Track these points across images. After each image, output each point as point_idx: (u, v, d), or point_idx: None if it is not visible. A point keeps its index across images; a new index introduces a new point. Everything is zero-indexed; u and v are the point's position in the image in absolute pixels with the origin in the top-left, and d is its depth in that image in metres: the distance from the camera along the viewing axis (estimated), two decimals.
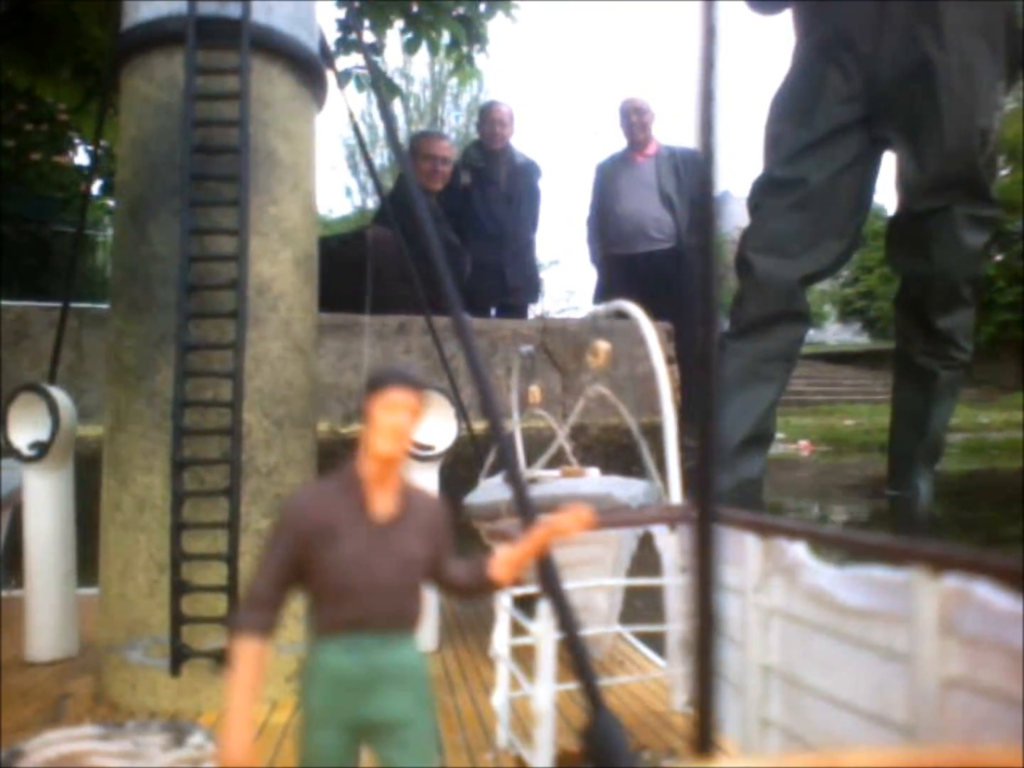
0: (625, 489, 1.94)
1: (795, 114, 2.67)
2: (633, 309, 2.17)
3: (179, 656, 1.68)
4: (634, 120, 4.98)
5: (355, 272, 3.27)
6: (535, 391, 2.66)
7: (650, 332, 2.08)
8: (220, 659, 1.67)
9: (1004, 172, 17.69)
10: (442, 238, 4.83)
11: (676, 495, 1.88)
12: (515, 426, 2.67)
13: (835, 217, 2.52)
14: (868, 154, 2.66)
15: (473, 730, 1.62)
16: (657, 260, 4.72)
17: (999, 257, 17.77)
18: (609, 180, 5.03)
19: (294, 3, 1.96)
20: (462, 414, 2.25)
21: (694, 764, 0.74)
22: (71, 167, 8.50)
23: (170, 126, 1.84)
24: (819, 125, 2.61)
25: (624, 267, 4.86)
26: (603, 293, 5.23)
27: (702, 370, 0.73)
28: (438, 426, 2.10)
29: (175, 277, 1.74)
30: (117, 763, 0.90)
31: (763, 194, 2.98)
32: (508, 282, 3.87)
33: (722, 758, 0.94)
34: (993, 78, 2.57)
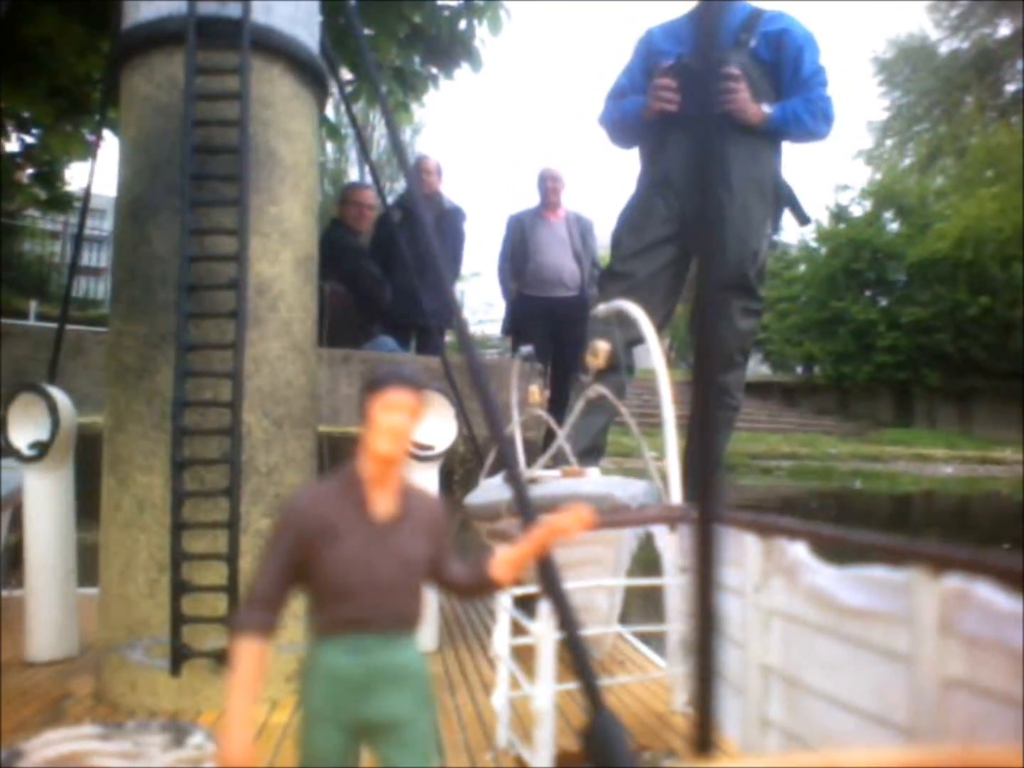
0: (625, 489, 1.94)
1: (632, 227, 3.82)
2: (633, 309, 2.17)
3: (179, 656, 1.68)
4: (550, 186, 6.10)
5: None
6: (535, 391, 2.66)
7: (650, 332, 2.09)
8: (220, 659, 1.67)
9: (893, 226, 20.00)
10: (367, 271, 5.53)
11: (676, 495, 1.88)
12: (515, 426, 2.67)
13: (654, 303, 3.57)
14: (679, 260, 3.72)
15: (473, 730, 1.62)
16: (566, 304, 5.87)
17: (883, 303, 19.56)
18: (528, 232, 6.14)
19: (294, 3, 1.96)
20: (462, 415, 2.25)
21: (694, 764, 0.74)
22: (2, 155, 8.53)
23: (170, 126, 1.84)
24: (646, 237, 3.75)
25: (538, 306, 5.98)
26: (514, 324, 6.37)
27: (699, 383, 0.74)
28: (438, 426, 2.10)
29: (175, 277, 1.74)
30: (117, 763, 0.90)
31: (605, 281, 4.17)
32: (424, 305, 4.36)
33: (722, 758, 0.93)
34: (763, 217, 3.75)
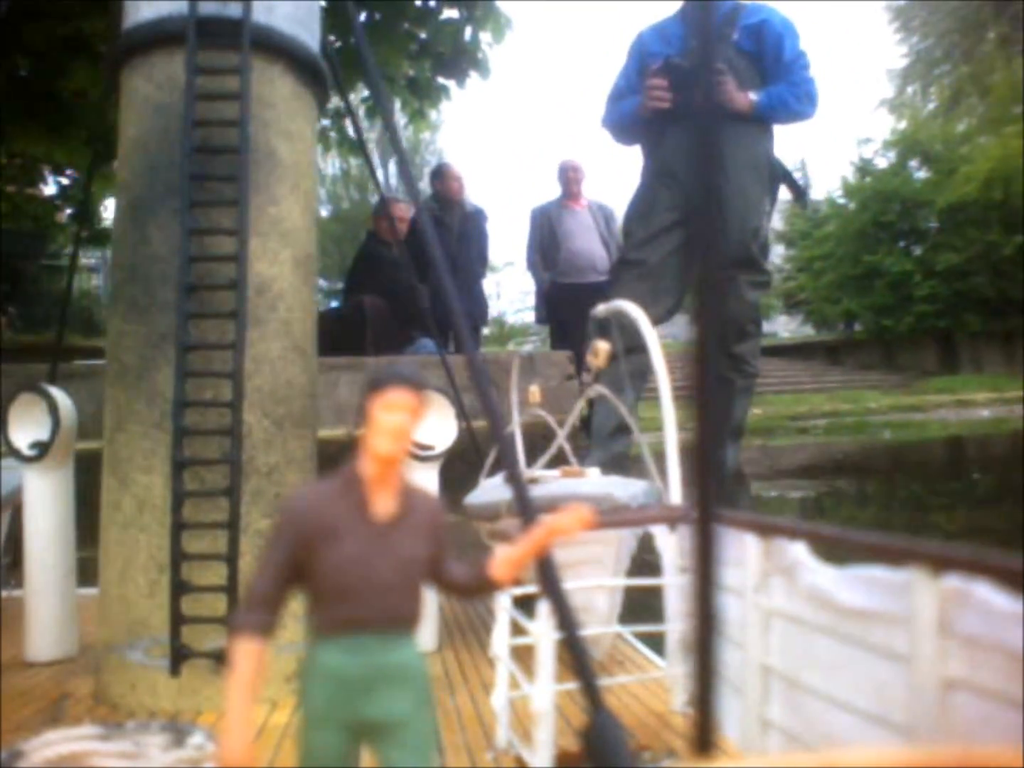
0: (625, 489, 1.94)
1: (640, 216, 4.14)
2: (632, 308, 2.17)
3: (179, 656, 1.68)
4: (571, 176, 6.38)
5: (357, 333, 5.29)
6: (535, 391, 2.66)
7: (649, 330, 2.09)
8: (220, 659, 1.67)
9: (919, 174, 19.63)
10: (401, 280, 5.87)
11: (676, 495, 1.88)
12: (515, 426, 2.67)
13: (666, 285, 3.92)
14: (686, 244, 4.12)
15: (473, 730, 1.62)
16: (599, 289, 6.05)
17: (916, 252, 19.16)
18: (555, 222, 6.40)
19: (295, 3, 1.96)
20: (463, 415, 2.25)
21: (694, 764, 0.74)
22: (43, 200, 8.94)
23: (170, 126, 1.84)
24: (654, 225, 4.04)
25: (572, 292, 6.19)
26: (550, 313, 6.66)
27: (699, 377, 0.74)
28: (438, 426, 2.10)
29: (175, 277, 1.74)
30: (117, 763, 0.90)
31: (619, 270, 4.52)
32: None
33: (722, 758, 0.94)
34: (760, 195, 4.06)
